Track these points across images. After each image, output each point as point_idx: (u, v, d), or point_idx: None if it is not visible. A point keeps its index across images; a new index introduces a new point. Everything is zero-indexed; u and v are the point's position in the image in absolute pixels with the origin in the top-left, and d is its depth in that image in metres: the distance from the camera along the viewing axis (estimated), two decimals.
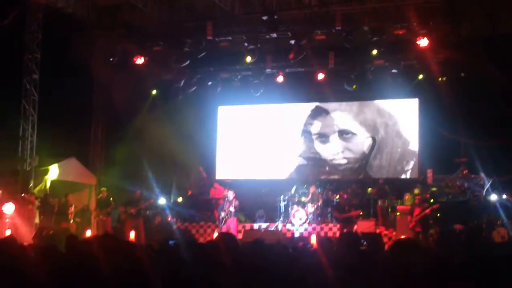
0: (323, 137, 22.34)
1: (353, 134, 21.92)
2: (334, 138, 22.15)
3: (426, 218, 17.21)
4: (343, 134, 22.07)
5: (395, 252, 4.60)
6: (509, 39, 18.23)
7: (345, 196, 19.58)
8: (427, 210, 17.10)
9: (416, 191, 18.77)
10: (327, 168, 22.16)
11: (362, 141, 21.80)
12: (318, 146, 22.34)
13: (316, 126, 22.50)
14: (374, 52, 19.08)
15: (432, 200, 17.89)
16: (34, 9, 19.15)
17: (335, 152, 22.04)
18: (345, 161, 21.91)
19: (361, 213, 18.89)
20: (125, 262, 2.94)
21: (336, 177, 22.04)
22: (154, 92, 23.05)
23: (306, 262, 5.45)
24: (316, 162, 22.33)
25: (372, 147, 21.63)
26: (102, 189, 19.70)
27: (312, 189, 20.00)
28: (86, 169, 21.08)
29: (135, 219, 18.57)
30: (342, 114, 22.23)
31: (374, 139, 21.66)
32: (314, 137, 22.47)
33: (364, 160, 21.70)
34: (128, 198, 19.23)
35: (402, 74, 20.47)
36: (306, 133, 22.61)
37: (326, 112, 22.45)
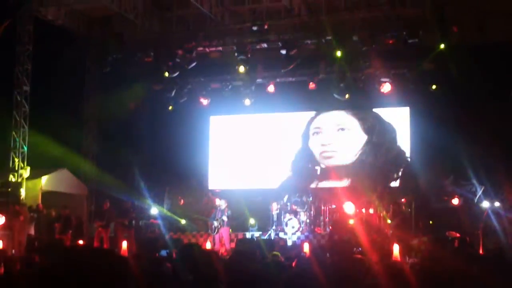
0: (317, 137, 22.41)
1: (348, 132, 21.99)
2: (328, 137, 22.21)
3: (406, 223, 17.55)
4: (338, 131, 22.14)
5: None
6: (498, 47, 18.37)
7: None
8: (401, 215, 17.52)
9: (397, 199, 18.98)
10: (318, 172, 22.15)
11: (357, 142, 21.84)
12: (311, 150, 22.38)
13: (311, 129, 22.61)
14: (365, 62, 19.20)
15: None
16: (25, 21, 19.14)
17: (329, 152, 22.11)
18: (339, 162, 21.96)
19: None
20: (112, 274, 2.96)
21: (328, 185, 22.03)
22: (145, 102, 23.02)
23: (300, 271, 5.47)
24: (309, 170, 22.34)
25: (365, 148, 21.70)
26: (105, 200, 19.74)
27: (304, 197, 20.02)
28: (78, 180, 21.03)
29: (127, 229, 18.59)
30: (338, 116, 22.34)
31: (368, 141, 21.74)
32: (306, 140, 22.54)
33: (358, 165, 21.72)
34: (120, 208, 19.21)
35: (393, 83, 20.55)
36: (299, 140, 22.67)
37: (320, 115, 22.56)
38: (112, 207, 19.26)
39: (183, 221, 20.76)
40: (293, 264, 7.44)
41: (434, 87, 19.77)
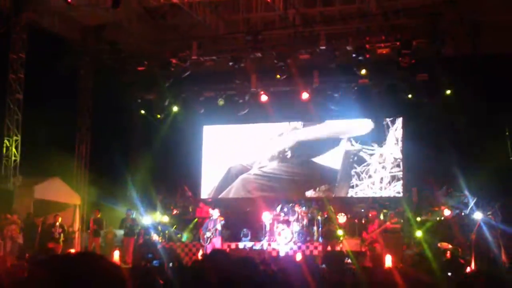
0: (309, 150, 22.48)
1: (340, 147, 22.04)
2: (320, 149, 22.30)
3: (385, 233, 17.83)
4: (329, 147, 22.20)
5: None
6: (489, 59, 18.44)
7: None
8: (382, 227, 17.75)
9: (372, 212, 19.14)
10: (312, 184, 22.17)
11: (349, 156, 21.87)
12: (303, 162, 22.41)
13: (301, 139, 22.66)
14: (363, 71, 19.16)
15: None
16: (19, 29, 19.10)
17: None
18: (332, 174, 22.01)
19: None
20: (107, 283, 2.91)
21: (321, 195, 22.01)
22: (139, 111, 22.99)
23: (291, 279, 5.44)
24: (301, 181, 22.35)
25: (356, 162, 21.77)
26: (95, 209, 19.65)
27: (297, 207, 19.96)
28: (70, 189, 20.92)
29: (129, 237, 18.79)
30: (327, 128, 22.41)
31: (359, 155, 21.79)
32: (301, 149, 22.60)
33: (349, 177, 21.75)
34: (121, 218, 19.43)
35: (386, 93, 20.59)
36: (290, 150, 22.68)
37: (312, 127, 22.61)
38: (102, 216, 19.28)
39: (184, 238, 20.52)
40: (285, 273, 7.39)
41: (427, 97, 19.80)
